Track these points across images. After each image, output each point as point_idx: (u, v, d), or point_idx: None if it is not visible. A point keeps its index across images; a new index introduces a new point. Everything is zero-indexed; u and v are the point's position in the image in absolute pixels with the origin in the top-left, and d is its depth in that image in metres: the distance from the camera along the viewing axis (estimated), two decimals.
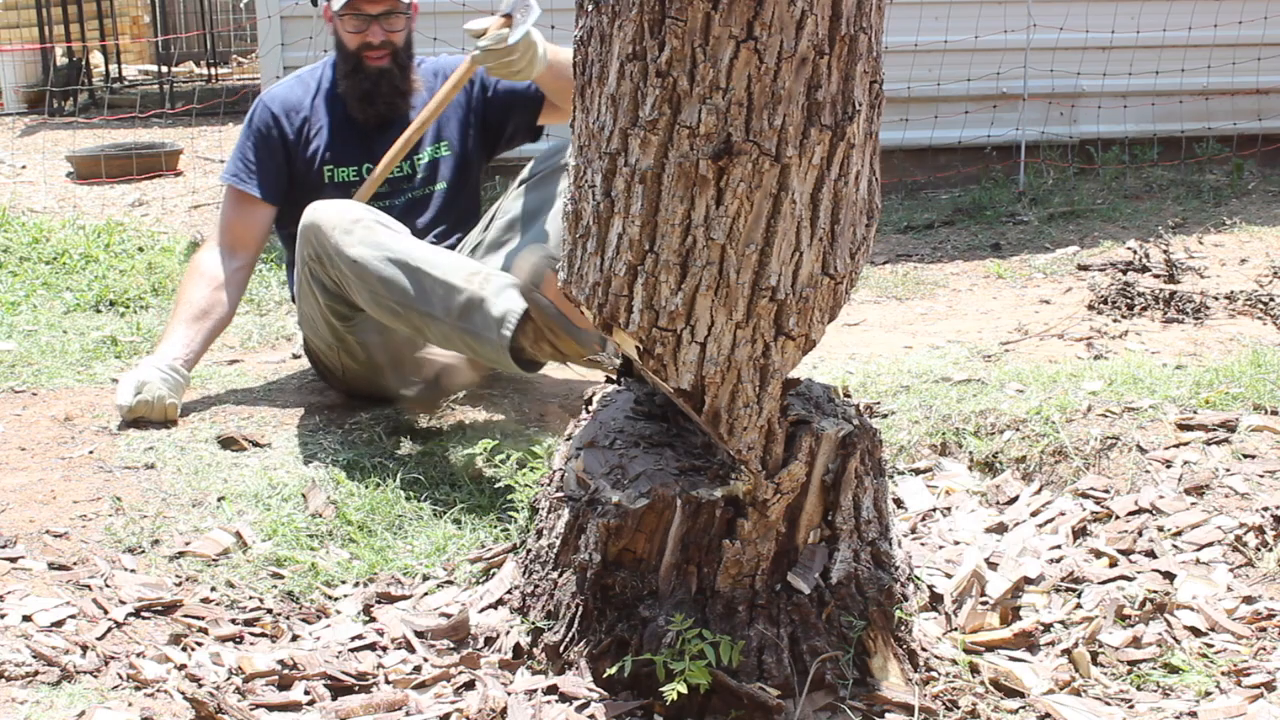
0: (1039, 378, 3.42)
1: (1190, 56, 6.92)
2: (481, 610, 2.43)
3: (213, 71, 12.62)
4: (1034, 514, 2.84)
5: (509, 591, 2.41)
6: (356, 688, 2.25)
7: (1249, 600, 2.45)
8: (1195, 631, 2.37)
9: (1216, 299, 4.43)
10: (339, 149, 3.59)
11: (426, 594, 2.63)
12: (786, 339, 2.06)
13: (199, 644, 2.39)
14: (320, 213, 3.21)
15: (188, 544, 2.76)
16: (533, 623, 2.30)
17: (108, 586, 2.53)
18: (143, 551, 2.72)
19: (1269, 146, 7.12)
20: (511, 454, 3.00)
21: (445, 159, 3.65)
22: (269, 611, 2.57)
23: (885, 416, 3.25)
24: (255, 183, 3.58)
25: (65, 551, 2.65)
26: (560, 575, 2.27)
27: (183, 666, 2.29)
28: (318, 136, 3.59)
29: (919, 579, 2.48)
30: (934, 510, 2.92)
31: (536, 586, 2.33)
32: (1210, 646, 2.32)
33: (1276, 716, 2.10)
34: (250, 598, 2.60)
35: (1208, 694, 2.19)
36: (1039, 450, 3.04)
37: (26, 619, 2.36)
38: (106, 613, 2.43)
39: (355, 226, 3.15)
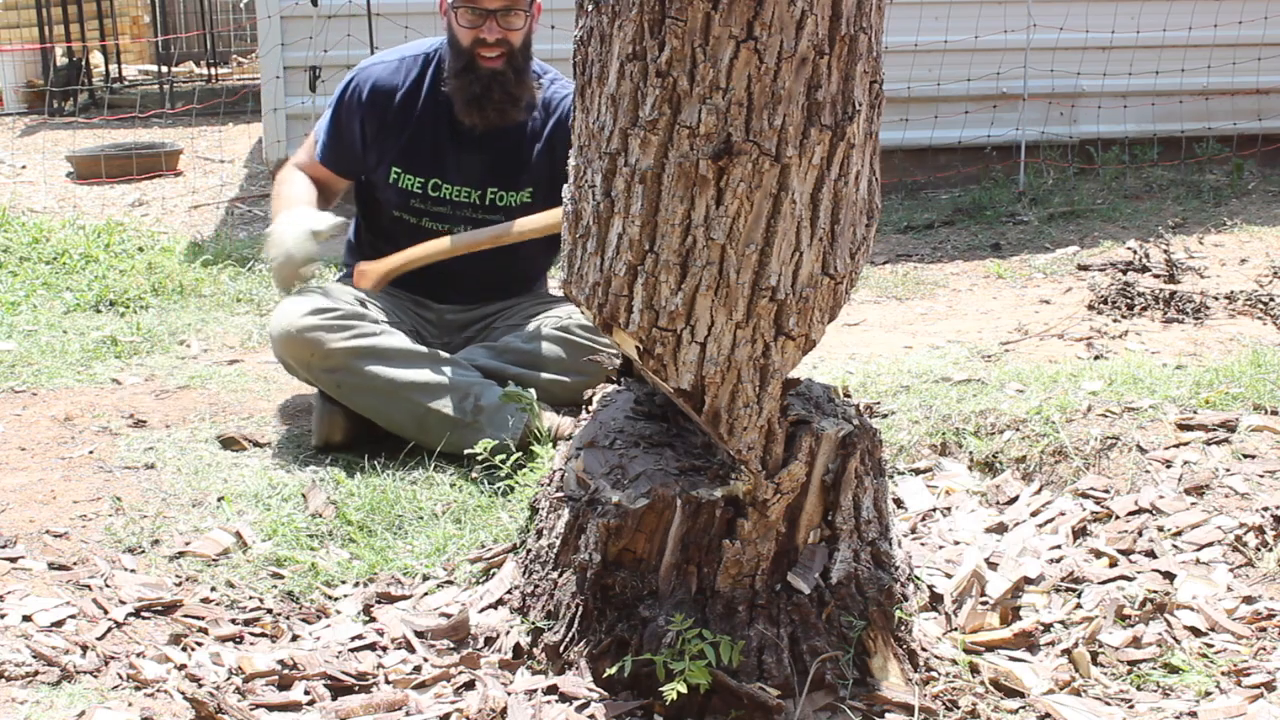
0: (1039, 378, 3.42)
1: (1190, 56, 6.92)
2: (481, 610, 2.43)
3: (213, 71, 12.62)
4: (1034, 514, 2.84)
5: (509, 591, 2.41)
6: (356, 688, 2.25)
7: (1249, 600, 2.45)
8: (1195, 631, 2.37)
9: (1216, 299, 4.43)
10: (413, 154, 3.41)
11: (426, 594, 2.63)
12: (786, 339, 2.06)
13: (199, 644, 2.39)
14: (289, 348, 3.24)
15: (188, 544, 2.76)
16: (533, 623, 2.30)
17: (108, 586, 2.53)
18: (143, 551, 2.72)
19: (1269, 146, 7.12)
20: (511, 454, 3.01)
21: (525, 206, 3.43)
22: (269, 611, 2.57)
23: (885, 416, 3.25)
24: (327, 153, 3.48)
25: (65, 551, 2.65)
26: (560, 575, 2.27)
27: (183, 666, 2.29)
28: (397, 134, 3.41)
29: (919, 579, 2.48)
30: (934, 510, 2.92)
31: (536, 586, 2.33)
32: (1210, 646, 2.32)
33: (1276, 716, 2.10)
34: (250, 598, 2.60)
35: (1208, 694, 2.19)
36: (1039, 450, 3.04)
37: (26, 619, 2.36)
38: (106, 613, 2.43)
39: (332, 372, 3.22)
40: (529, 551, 2.40)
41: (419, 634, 2.42)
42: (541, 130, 3.40)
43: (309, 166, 3.54)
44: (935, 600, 2.47)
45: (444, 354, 3.30)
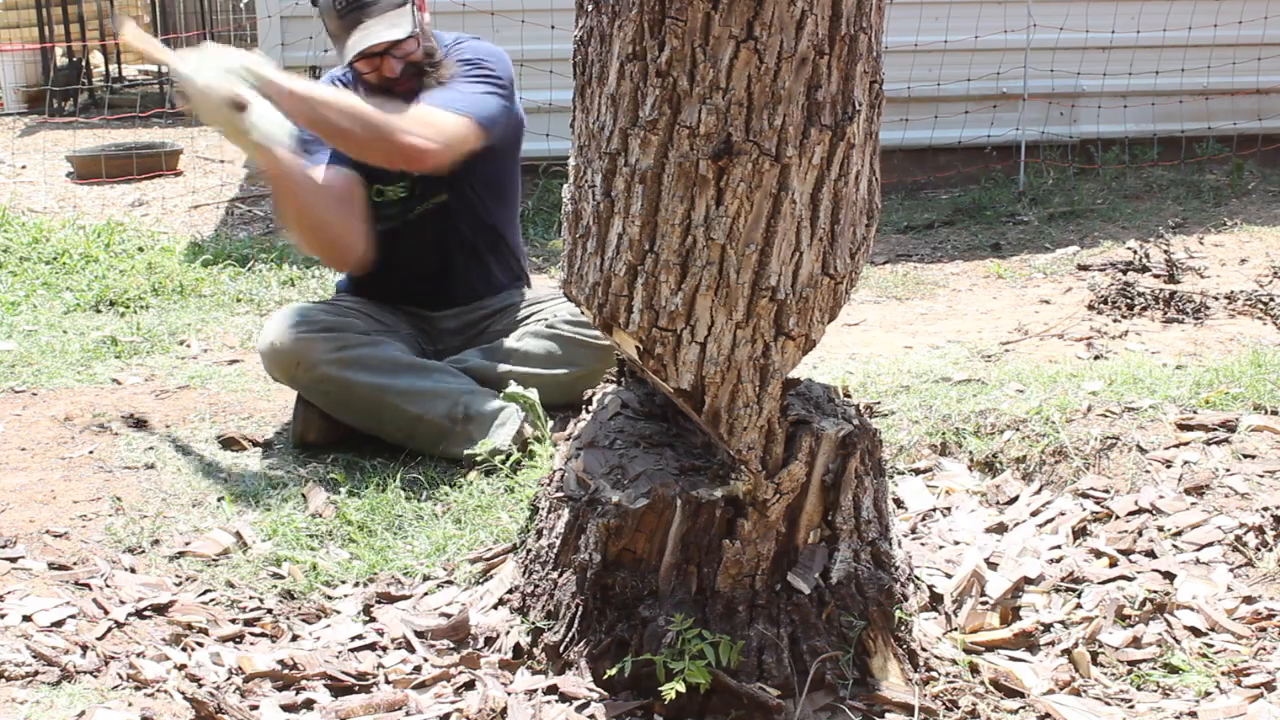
0: (1039, 378, 3.42)
1: (1190, 56, 6.92)
2: (481, 610, 2.43)
3: None
4: (1034, 514, 2.84)
5: (509, 591, 2.41)
6: (356, 688, 2.25)
7: (1249, 600, 2.45)
8: (1195, 631, 2.37)
9: (1216, 299, 4.43)
10: (384, 174, 3.38)
11: (426, 594, 2.63)
12: (786, 339, 2.06)
13: (199, 644, 2.39)
14: (275, 362, 3.24)
15: (188, 544, 2.76)
16: (533, 623, 2.30)
17: (108, 586, 2.53)
18: (143, 551, 2.72)
19: (1269, 146, 7.12)
20: (512, 454, 3.01)
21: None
22: (269, 611, 2.57)
23: (885, 416, 3.25)
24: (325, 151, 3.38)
25: (65, 551, 2.65)
26: (560, 575, 2.27)
27: (183, 666, 2.29)
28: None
29: (919, 579, 2.48)
30: (934, 510, 2.92)
31: (536, 586, 2.33)
32: (1210, 646, 2.32)
33: (1276, 716, 2.10)
34: (250, 598, 2.60)
35: (1208, 694, 2.19)
36: (1039, 450, 3.04)
37: (26, 619, 2.36)
38: (106, 613, 2.43)
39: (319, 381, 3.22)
40: (529, 551, 2.40)
41: (419, 634, 2.42)
42: None
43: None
44: (935, 600, 2.47)
45: (432, 362, 3.31)
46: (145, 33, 3.20)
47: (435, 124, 3.09)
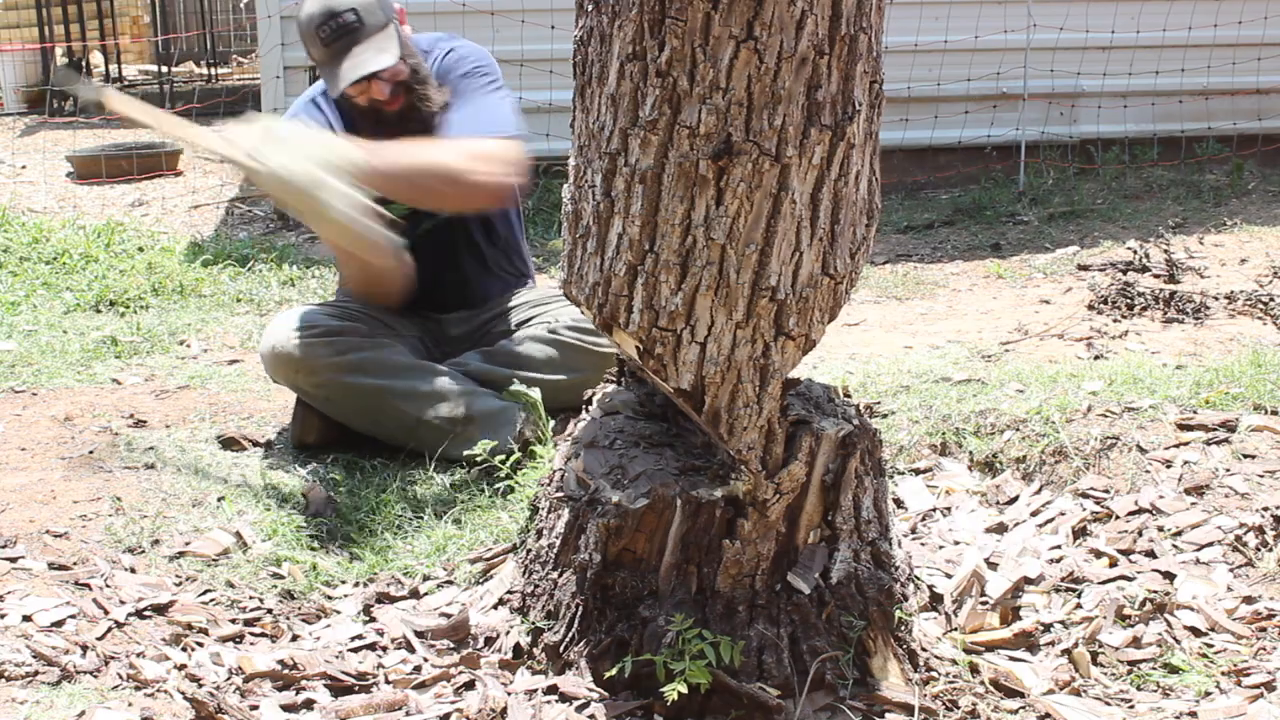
0: (1039, 378, 3.42)
1: (1190, 56, 6.92)
2: (481, 610, 2.43)
3: (213, 71, 12.62)
4: (1034, 514, 2.84)
5: (509, 591, 2.41)
6: (356, 688, 2.25)
7: (1249, 600, 2.45)
8: (1195, 631, 2.37)
9: (1216, 299, 4.43)
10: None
11: (426, 594, 2.63)
12: (786, 339, 2.06)
13: (199, 644, 2.39)
14: (277, 366, 3.24)
15: (188, 544, 2.76)
16: (533, 623, 2.30)
17: (108, 586, 2.53)
18: (143, 551, 2.72)
19: (1269, 146, 7.12)
20: (513, 453, 3.01)
21: None
22: (269, 611, 2.57)
23: (885, 416, 3.25)
24: None
25: (65, 551, 2.65)
26: (560, 575, 2.27)
27: (183, 666, 2.29)
28: None
29: (919, 579, 2.48)
30: (934, 510, 2.92)
31: (536, 586, 2.33)
32: (1210, 646, 2.32)
33: (1276, 716, 2.10)
34: (250, 598, 2.60)
35: (1208, 694, 2.19)
36: (1039, 450, 3.04)
37: (26, 619, 2.36)
38: (106, 613, 2.43)
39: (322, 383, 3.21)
40: (529, 551, 2.40)
41: (419, 634, 2.42)
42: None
43: None
44: (935, 600, 2.47)
45: (432, 365, 3.31)
46: (183, 119, 3.08)
47: (492, 154, 3.09)
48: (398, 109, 3.23)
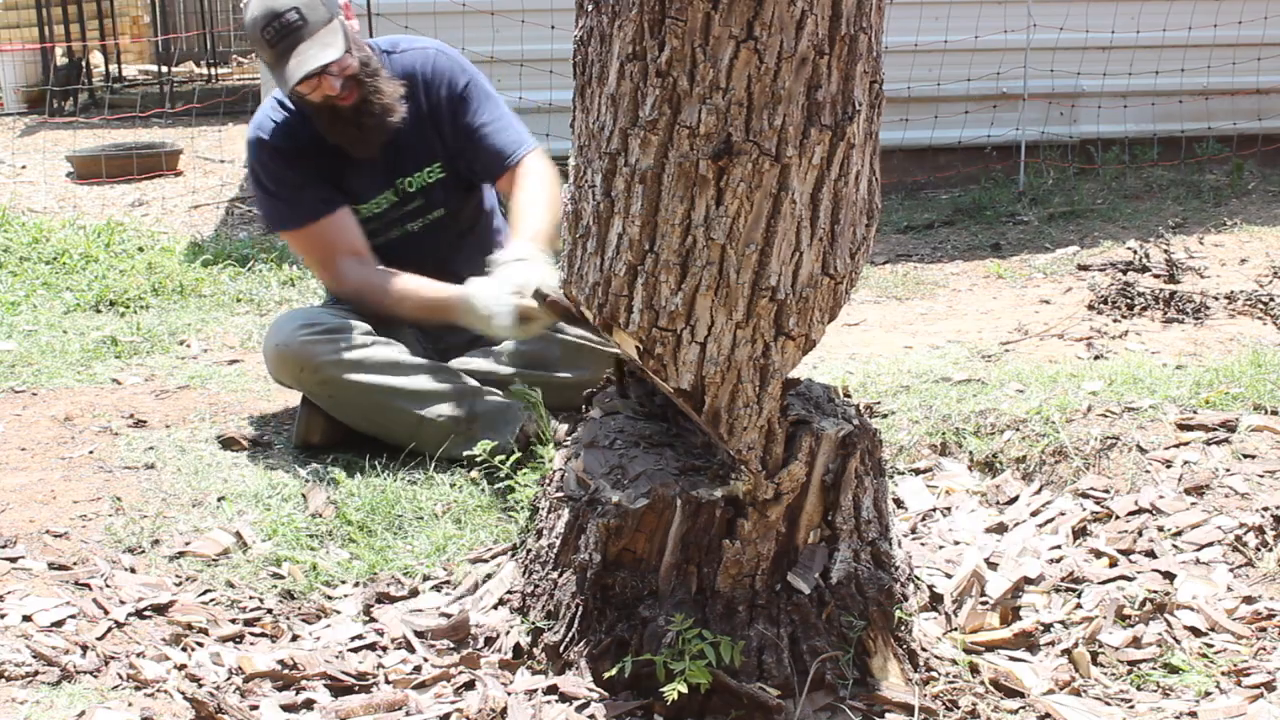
0: (1039, 378, 3.42)
1: (1190, 56, 6.92)
2: (481, 610, 2.43)
3: (213, 71, 12.62)
4: (1034, 514, 2.84)
5: (509, 591, 2.41)
6: (356, 688, 2.25)
7: (1249, 600, 2.45)
8: (1195, 631, 2.37)
9: (1216, 299, 4.43)
10: (357, 186, 3.39)
11: (426, 594, 2.63)
12: (786, 339, 2.06)
13: (199, 644, 2.39)
14: (281, 364, 3.25)
15: (188, 544, 2.76)
16: (533, 623, 2.30)
17: (108, 586, 2.53)
18: (143, 551, 2.72)
19: (1269, 146, 7.12)
20: (512, 454, 3.01)
21: (440, 181, 3.42)
22: (269, 611, 2.57)
23: (885, 416, 3.25)
24: (316, 205, 3.34)
25: (65, 551, 2.65)
26: (560, 575, 2.27)
27: (183, 666, 2.29)
28: (332, 181, 3.37)
29: (919, 579, 2.48)
30: (934, 510, 2.92)
31: (536, 586, 2.33)
32: (1210, 646, 2.32)
33: (1276, 716, 2.10)
34: (250, 598, 2.60)
35: (1208, 694, 2.19)
36: (1039, 450, 3.04)
37: (26, 619, 2.36)
38: (106, 613, 2.43)
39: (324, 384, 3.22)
40: (529, 551, 2.40)
41: (419, 634, 2.42)
42: (415, 105, 3.35)
43: (336, 226, 3.36)
44: (935, 600, 2.47)
45: (436, 363, 3.31)
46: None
47: (551, 173, 3.31)
48: (352, 103, 3.22)
